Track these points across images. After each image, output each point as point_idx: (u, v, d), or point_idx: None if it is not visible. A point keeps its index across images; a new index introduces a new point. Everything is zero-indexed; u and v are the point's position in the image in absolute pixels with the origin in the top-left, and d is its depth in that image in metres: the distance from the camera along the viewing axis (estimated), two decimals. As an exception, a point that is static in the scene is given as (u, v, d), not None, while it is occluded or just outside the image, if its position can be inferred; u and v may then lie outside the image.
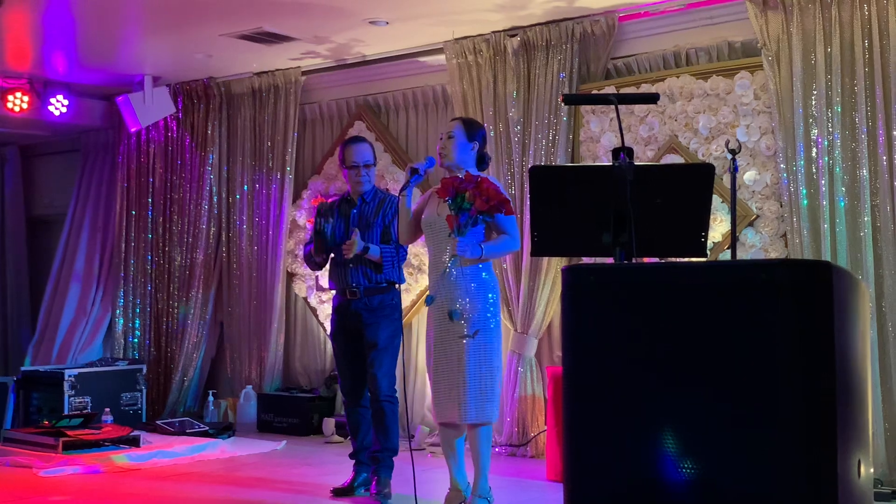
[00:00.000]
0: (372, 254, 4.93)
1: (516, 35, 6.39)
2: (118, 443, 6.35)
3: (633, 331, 2.46)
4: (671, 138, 5.84)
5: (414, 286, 6.94)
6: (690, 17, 5.94)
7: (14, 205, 9.61)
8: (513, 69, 6.38)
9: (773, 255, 5.50)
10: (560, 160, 6.13)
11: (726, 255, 5.46)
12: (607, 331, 2.50)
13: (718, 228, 5.61)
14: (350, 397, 5.15)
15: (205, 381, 8.03)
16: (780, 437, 2.26)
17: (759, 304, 2.32)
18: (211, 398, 7.66)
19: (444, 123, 6.82)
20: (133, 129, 8.03)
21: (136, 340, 8.27)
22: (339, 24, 6.43)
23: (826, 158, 5.24)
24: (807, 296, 2.29)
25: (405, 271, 6.36)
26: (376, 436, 5.01)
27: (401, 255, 5.02)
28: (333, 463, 5.91)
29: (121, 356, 8.15)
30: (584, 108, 6.17)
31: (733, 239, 4.83)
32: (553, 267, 6.14)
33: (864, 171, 5.14)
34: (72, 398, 7.18)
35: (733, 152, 4.67)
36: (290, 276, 7.67)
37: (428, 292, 4.44)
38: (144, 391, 7.68)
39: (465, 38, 6.57)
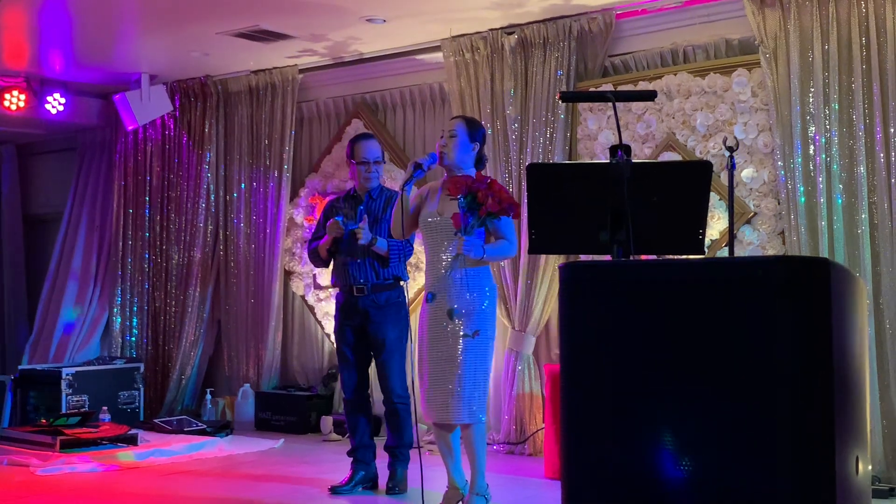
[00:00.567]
0: (379, 247, 4.95)
1: (514, 33, 6.39)
2: (116, 441, 6.35)
3: (631, 328, 2.46)
4: (668, 136, 5.84)
5: (412, 284, 6.93)
6: (688, 15, 5.94)
7: (11, 203, 9.60)
8: (510, 67, 6.38)
9: (770, 252, 5.50)
10: (557, 158, 6.13)
11: (724, 253, 5.46)
12: (605, 328, 2.50)
13: (716, 226, 5.61)
14: (352, 394, 5.15)
15: (202, 379, 8.02)
16: (779, 434, 2.26)
17: (757, 300, 2.32)
18: (209, 396, 7.65)
19: (441, 121, 6.82)
20: (130, 128, 8.01)
21: (133, 339, 8.26)
22: (336, 21, 6.42)
23: (823, 156, 5.24)
24: (805, 293, 2.29)
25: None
26: (391, 433, 5.08)
27: (407, 251, 5.04)
28: (331, 461, 5.91)
29: (118, 355, 8.14)
30: (582, 106, 6.17)
31: (731, 236, 4.83)
32: (551, 265, 6.14)
33: (862, 169, 5.15)
34: (69, 397, 7.17)
35: (731, 150, 4.67)
36: (288, 275, 7.66)
37: (423, 290, 4.44)
38: (142, 389, 7.68)
39: (463, 35, 6.57)
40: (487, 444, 4.77)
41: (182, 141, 8.11)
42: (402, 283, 5.07)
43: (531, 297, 6.21)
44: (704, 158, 5.59)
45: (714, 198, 5.51)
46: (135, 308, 8.28)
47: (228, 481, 5.49)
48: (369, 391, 5.26)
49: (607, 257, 3.00)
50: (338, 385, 7.33)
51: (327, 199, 7.33)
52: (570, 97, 4.71)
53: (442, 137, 4.47)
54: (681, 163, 5.01)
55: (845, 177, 5.21)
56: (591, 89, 5.98)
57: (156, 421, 7.14)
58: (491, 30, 6.47)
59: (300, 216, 7.57)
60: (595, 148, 6.09)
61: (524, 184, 5.90)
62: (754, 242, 5.54)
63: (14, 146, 9.57)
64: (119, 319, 8.30)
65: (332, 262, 5.20)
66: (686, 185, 3.12)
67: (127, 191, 8.39)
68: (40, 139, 9.37)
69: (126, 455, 6.03)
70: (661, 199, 3.08)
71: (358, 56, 7.23)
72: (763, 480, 2.26)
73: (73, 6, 6.18)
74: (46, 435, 6.16)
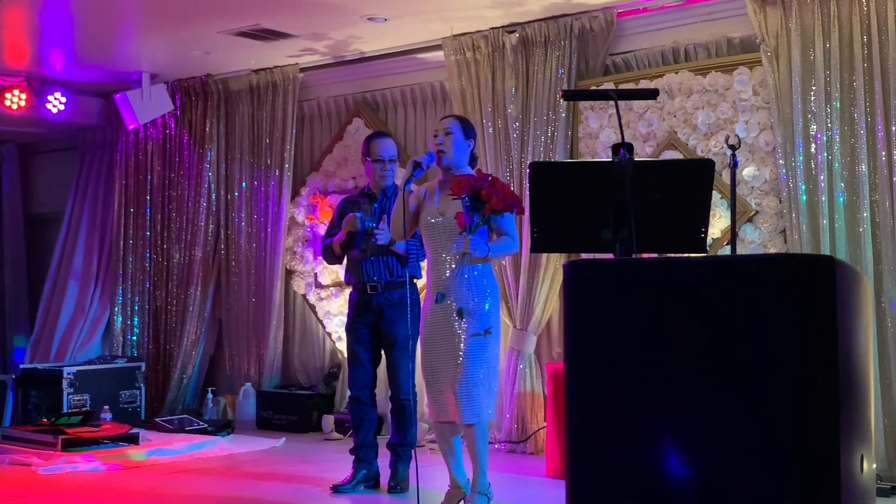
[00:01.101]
0: (398, 247, 4.97)
1: (515, 31, 6.38)
2: (117, 440, 6.35)
3: (634, 327, 2.46)
4: (670, 134, 5.84)
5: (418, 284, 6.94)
6: (689, 13, 5.94)
7: (12, 203, 9.60)
8: (511, 65, 6.37)
9: (772, 250, 5.50)
10: (559, 156, 6.13)
11: (726, 251, 5.46)
12: (608, 326, 2.50)
13: (718, 224, 5.60)
14: (359, 392, 5.14)
15: (204, 378, 8.02)
16: (782, 433, 2.25)
17: (760, 299, 2.31)
18: (210, 395, 7.65)
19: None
20: (131, 127, 8.02)
21: (134, 338, 8.26)
22: (337, 20, 6.42)
23: (825, 154, 5.24)
24: (809, 290, 2.29)
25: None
26: (396, 431, 5.09)
27: (422, 252, 5.04)
28: (332, 460, 5.91)
29: (119, 354, 8.14)
30: (583, 105, 6.17)
31: (733, 235, 4.83)
32: (552, 263, 6.14)
33: (863, 167, 5.14)
34: (70, 396, 7.18)
35: (732, 148, 4.67)
36: (289, 274, 7.66)
37: (425, 291, 4.44)
38: (143, 389, 7.68)
39: (464, 34, 6.56)
40: (489, 442, 4.77)
41: (183, 140, 8.11)
42: (415, 281, 5.10)
43: (532, 296, 6.21)
44: (706, 157, 5.59)
45: (716, 196, 5.51)
46: (136, 307, 8.28)
47: (230, 480, 5.49)
48: (375, 390, 5.27)
49: (609, 256, 3.00)
50: (339, 384, 7.34)
51: (328, 198, 7.35)
52: (572, 96, 4.72)
53: (436, 136, 4.44)
54: (683, 161, 5.01)
55: (847, 175, 5.21)
56: (593, 88, 5.98)
57: (157, 420, 7.13)
58: (492, 28, 6.47)
59: (301, 215, 7.57)
60: (596, 147, 6.09)
61: (526, 182, 5.92)
62: (756, 241, 5.54)
63: (15, 145, 9.58)
64: (120, 318, 8.30)
65: (345, 259, 5.22)
66: (688, 183, 3.12)
67: (128, 190, 8.39)
68: (41, 138, 9.37)
69: (127, 454, 6.03)
70: (663, 197, 3.08)
71: (359, 55, 7.23)
72: (767, 480, 2.26)
73: (73, 5, 6.18)
74: (48, 434, 6.16)
